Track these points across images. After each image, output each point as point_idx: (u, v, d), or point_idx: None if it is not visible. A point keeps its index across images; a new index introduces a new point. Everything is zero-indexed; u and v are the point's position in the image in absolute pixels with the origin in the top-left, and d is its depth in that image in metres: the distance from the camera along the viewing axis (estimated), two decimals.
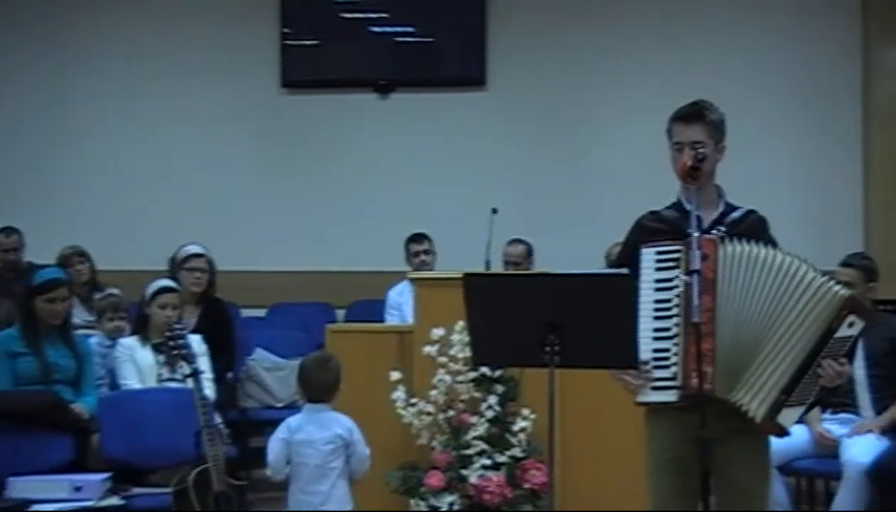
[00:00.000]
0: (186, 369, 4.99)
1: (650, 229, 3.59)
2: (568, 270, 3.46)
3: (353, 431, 4.64)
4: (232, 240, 8.19)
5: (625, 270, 3.42)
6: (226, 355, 6.21)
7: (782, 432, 3.39)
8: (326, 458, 4.58)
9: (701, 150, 3.47)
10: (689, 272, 3.22)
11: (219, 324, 6.28)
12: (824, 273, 3.39)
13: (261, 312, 8.43)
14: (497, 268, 7.09)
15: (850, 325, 3.31)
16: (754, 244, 3.38)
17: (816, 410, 5.33)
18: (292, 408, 6.68)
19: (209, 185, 8.69)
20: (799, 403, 3.35)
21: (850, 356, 3.39)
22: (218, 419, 5.41)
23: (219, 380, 5.83)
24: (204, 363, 5.42)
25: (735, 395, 3.33)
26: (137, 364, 5.61)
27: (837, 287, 3.33)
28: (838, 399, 5.32)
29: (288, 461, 4.63)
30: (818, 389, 3.36)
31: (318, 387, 4.66)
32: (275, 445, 4.65)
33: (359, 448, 4.65)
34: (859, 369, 5.27)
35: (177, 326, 5.16)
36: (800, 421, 5.36)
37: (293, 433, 4.63)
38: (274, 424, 7.03)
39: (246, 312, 8.18)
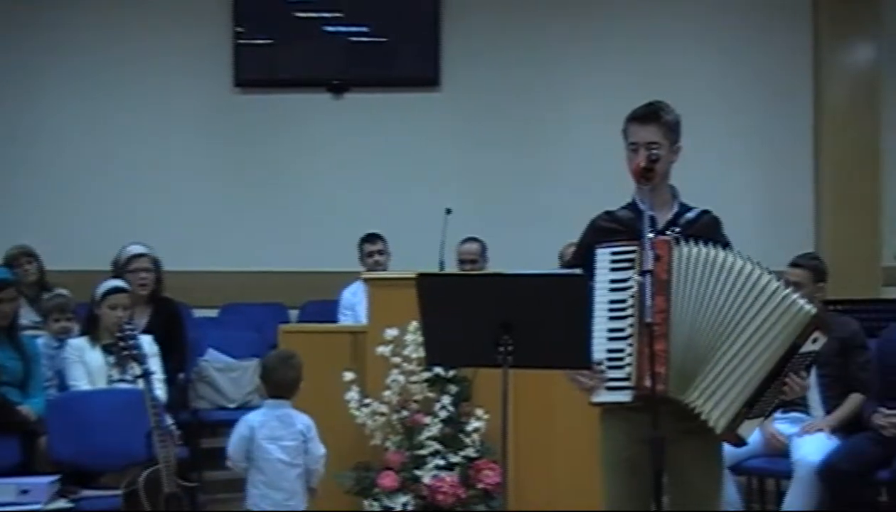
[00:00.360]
0: (137, 370, 4.95)
1: (605, 229, 3.59)
2: (522, 270, 3.45)
3: (311, 428, 4.71)
4: (184, 240, 8.14)
5: (579, 271, 3.41)
6: (177, 356, 6.14)
7: (740, 442, 3.39)
8: (290, 455, 4.64)
9: (655, 151, 3.47)
10: (643, 273, 3.22)
11: (170, 324, 6.21)
12: (776, 274, 3.40)
13: (213, 313, 8.36)
14: (451, 268, 7.08)
15: (814, 340, 3.33)
16: (710, 246, 3.38)
17: None
18: (245, 408, 6.65)
19: (161, 184, 8.59)
20: (759, 415, 3.36)
21: (809, 369, 3.41)
22: (169, 420, 5.36)
23: (170, 381, 5.76)
24: (155, 364, 5.37)
25: (690, 398, 3.33)
26: (87, 365, 5.54)
27: (803, 302, 3.33)
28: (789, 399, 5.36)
29: (247, 457, 4.65)
30: (778, 401, 3.37)
31: (281, 384, 4.71)
32: (234, 440, 4.68)
33: (313, 446, 4.71)
34: None
35: (127, 326, 5.11)
36: None
37: (255, 430, 4.65)
38: (226, 425, 7.01)
39: (198, 313, 8.11)
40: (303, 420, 4.70)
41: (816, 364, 5.20)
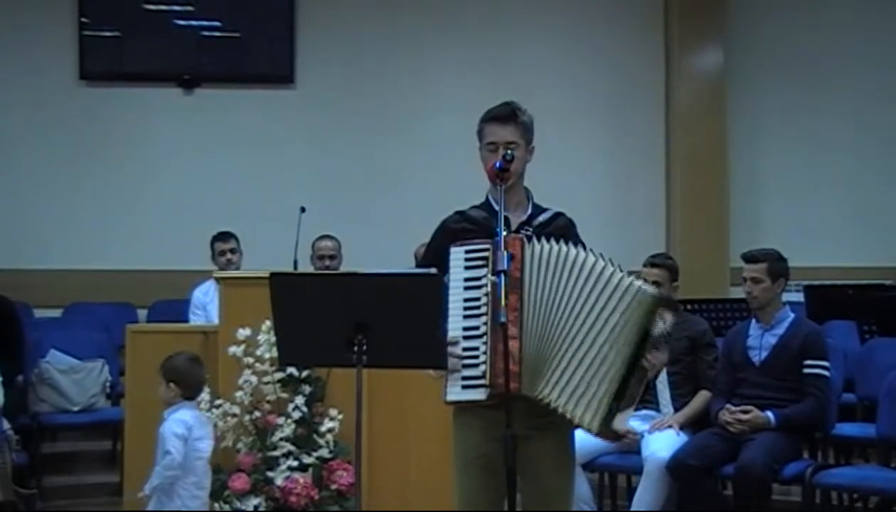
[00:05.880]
0: None
1: (457, 230, 3.58)
2: (376, 269, 3.42)
3: None
4: (25, 237, 7.93)
5: (433, 270, 3.40)
6: (15, 358, 5.92)
7: (616, 437, 3.41)
8: (209, 452, 4.66)
9: (511, 151, 3.47)
10: (496, 272, 3.22)
11: (6, 324, 5.97)
12: (629, 273, 3.43)
13: (56, 313, 8.12)
14: (305, 267, 7.01)
15: (664, 320, 3.37)
16: (562, 243, 3.40)
17: None
18: (89, 411, 6.47)
19: (1, 178, 8.28)
20: (629, 403, 3.37)
21: (667, 343, 3.43)
22: (6, 425, 5.15)
23: (6, 384, 5.53)
24: None
25: (543, 393, 3.33)
26: None
27: (646, 287, 3.39)
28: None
29: None
30: (644, 387, 3.41)
31: (197, 384, 4.70)
32: (176, 442, 4.54)
33: None
34: None
35: None
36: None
37: (191, 430, 4.59)
38: (69, 429, 6.82)
39: (40, 313, 7.89)
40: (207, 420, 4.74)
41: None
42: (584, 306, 3.35)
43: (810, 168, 8.99)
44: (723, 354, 5.44)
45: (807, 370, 5.14)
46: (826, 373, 5.16)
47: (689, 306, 6.36)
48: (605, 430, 3.34)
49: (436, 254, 3.55)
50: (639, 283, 3.38)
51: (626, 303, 3.34)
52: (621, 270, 3.39)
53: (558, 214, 3.63)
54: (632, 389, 3.35)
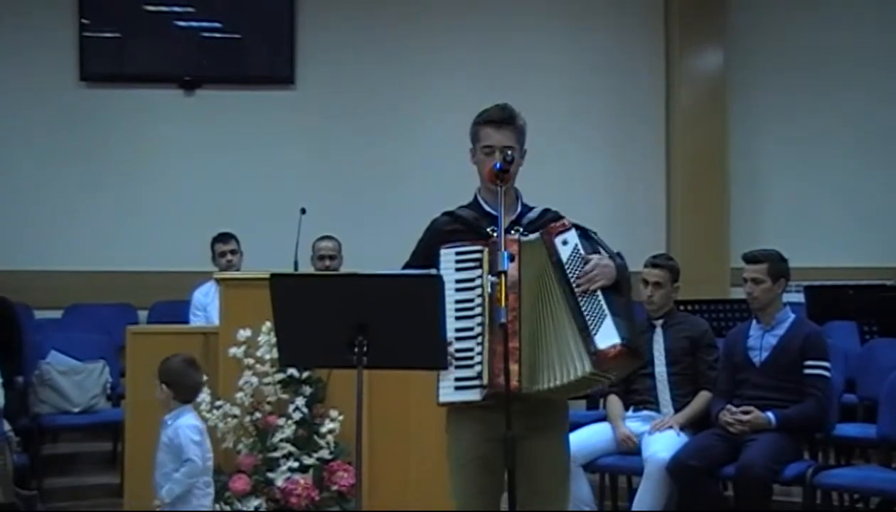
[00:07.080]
0: None
1: (448, 231, 3.59)
2: (377, 269, 3.42)
3: None
4: (26, 238, 7.90)
5: (434, 271, 3.40)
6: (14, 359, 5.92)
7: (633, 350, 3.32)
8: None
9: (510, 153, 3.48)
10: (497, 273, 3.23)
11: (6, 325, 5.97)
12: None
13: (56, 314, 8.11)
14: (306, 268, 7.01)
15: (564, 242, 3.38)
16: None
17: (619, 409, 5.45)
18: (89, 413, 6.47)
19: (1, 179, 8.29)
20: (599, 320, 3.29)
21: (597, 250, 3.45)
22: (6, 427, 5.13)
23: (7, 385, 5.53)
24: None
25: (542, 386, 3.33)
26: None
27: (532, 236, 3.43)
28: (640, 397, 5.45)
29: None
30: (602, 297, 3.33)
31: (192, 388, 4.66)
32: (196, 450, 4.53)
33: None
34: (659, 367, 5.41)
35: None
36: (604, 419, 5.53)
37: (202, 434, 4.58)
38: (70, 430, 6.81)
39: (40, 314, 7.88)
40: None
41: (667, 362, 5.37)
42: (528, 290, 3.38)
43: (810, 168, 8.99)
44: (723, 354, 5.43)
45: (807, 371, 5.14)
46: (827, 373, 5.15)
47: (689, 307, 6.36)
48: (598, 360, 3.26)
49: (425, 256, 3.58)
50: (533, 236, 3.42)
51: (533, 259, 3.38)
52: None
53: (546, 211, 3.64)
54: (590, 311, 3.30)
